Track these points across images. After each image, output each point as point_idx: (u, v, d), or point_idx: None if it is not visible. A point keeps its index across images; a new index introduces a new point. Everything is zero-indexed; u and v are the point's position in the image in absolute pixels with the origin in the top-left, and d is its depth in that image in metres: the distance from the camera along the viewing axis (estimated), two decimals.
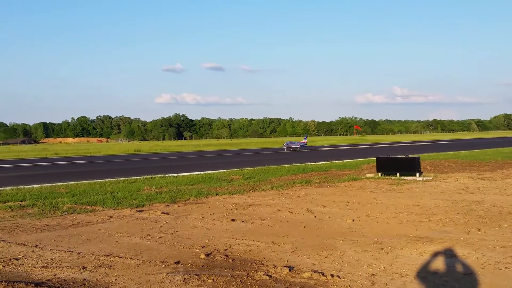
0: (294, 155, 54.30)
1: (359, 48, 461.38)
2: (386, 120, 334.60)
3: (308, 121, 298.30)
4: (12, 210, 16.54)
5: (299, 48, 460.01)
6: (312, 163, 36.75)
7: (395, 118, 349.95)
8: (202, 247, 10.61)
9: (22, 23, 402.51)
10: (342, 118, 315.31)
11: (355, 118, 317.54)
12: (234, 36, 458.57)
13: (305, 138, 76.98)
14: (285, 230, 12.37)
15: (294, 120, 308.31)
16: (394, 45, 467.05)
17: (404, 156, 26.44)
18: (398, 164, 25.36)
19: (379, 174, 25.57)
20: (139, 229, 12.86)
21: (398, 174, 24.93)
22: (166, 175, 28.27)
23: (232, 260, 9.58)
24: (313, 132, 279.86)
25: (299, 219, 13.81)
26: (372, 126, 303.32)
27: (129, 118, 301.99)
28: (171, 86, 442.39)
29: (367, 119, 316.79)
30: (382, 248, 10.20)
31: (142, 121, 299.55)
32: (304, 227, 12.68)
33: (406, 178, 24.06)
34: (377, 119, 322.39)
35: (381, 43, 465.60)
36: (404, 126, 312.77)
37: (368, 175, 25.62)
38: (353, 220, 13.43)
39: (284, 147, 69.26)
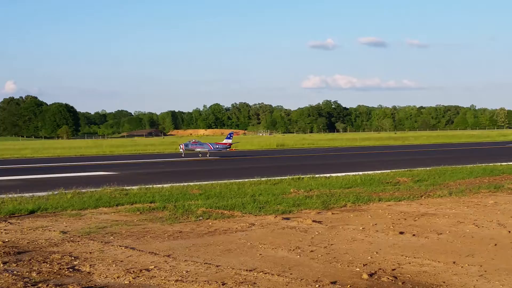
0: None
1: None
2: None
3: (496, 109, 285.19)
4: (140, 213, 17.64)
5: (483, 17, 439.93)
6: (503, 164, 35.15)
7: None
8: (363, 265, 10.59)
9: (147, 7, 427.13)
10: None
11: None
12: (398, 4, 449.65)
13: (228, 138, 61.42)
14: (469, 247, 12.00)
15: (476, 108, 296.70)
16: None
17: None
18: None
19: None
20: (286, 240, 13.12)
21: None
22: (316, 175, 28.55)
23: (402, 283, 9.46)
24: (502, 124, 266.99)
25: (488, 235, 13.33)
26: None
27: (270, 106, 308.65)
28: (320, 67, 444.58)
29: None
30: None
31: (286, 109, 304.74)
32: (495, 244, 12.22)
33: None
34: None
35: None
36: None
37: None
38: None
39: (181, 150, 56.27)
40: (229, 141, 59.66)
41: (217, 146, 57.77)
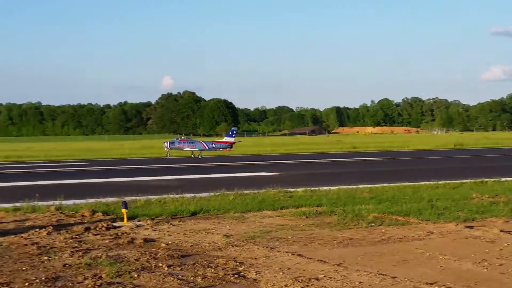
0: None
1: None
2: None
3: None
4: (307, 217, 17.82)
5: None
6: None
7: None
8: None
9: None
10: None
11: None
12: None
13: (229, 135, 57.61)
14: None
15: None
16: None
17: None
18: None
19: None
20: (470, 251, 12.72)
21: None
22: (503, 179, 27.49)
23: None
24: None
25: None
26: None
27: (446, 100, 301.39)
28: (504, 56, 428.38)
29: None
30: None
31: (464, 104, 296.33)
32: None
33: None
34: None
35: None
36: None
37: None
38: None
39: (166, 149, 53.88)
40: (231, 139, 56.37)
41: (213, 146, 55.14)
